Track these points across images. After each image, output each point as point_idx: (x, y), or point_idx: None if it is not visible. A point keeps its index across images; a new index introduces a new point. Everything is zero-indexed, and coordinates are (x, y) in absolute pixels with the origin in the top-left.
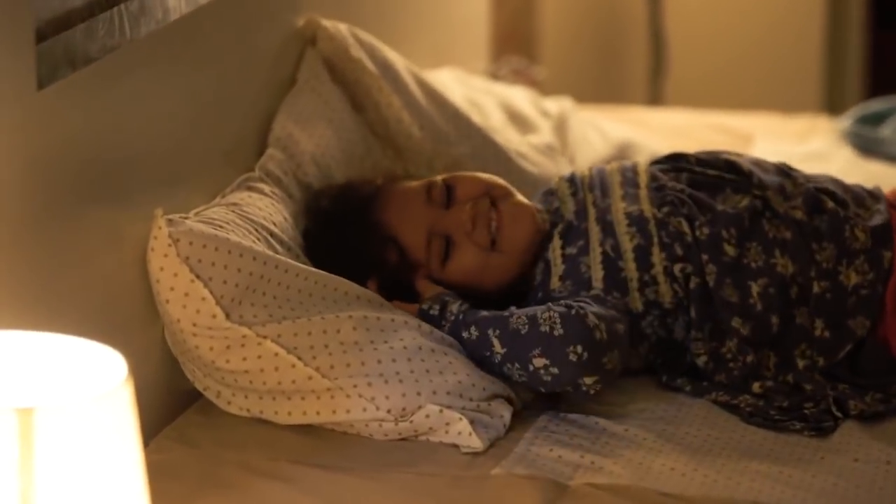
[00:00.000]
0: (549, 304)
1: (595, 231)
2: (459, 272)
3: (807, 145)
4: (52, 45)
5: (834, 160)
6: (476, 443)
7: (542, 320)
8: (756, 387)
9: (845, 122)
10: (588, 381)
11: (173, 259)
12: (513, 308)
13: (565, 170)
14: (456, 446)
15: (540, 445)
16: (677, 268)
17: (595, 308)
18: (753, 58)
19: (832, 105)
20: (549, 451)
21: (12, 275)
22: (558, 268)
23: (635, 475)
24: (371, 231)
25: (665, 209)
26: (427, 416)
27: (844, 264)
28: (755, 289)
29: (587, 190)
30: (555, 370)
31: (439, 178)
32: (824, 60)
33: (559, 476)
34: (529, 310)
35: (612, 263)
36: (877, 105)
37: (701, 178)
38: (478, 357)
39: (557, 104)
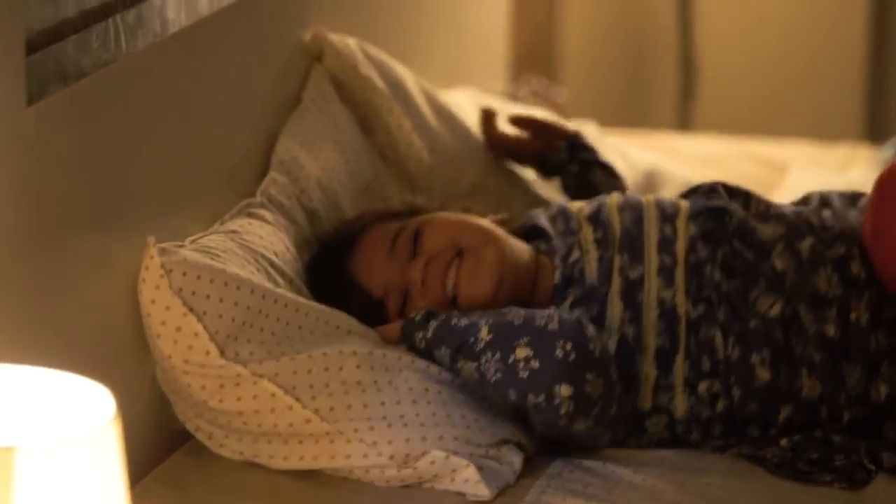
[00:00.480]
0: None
1: (618, 308)
2: None
3: (846, 175)
4: (43, 57)
5: None
6: (483, 491)
7: (539, 316)
8: (784, 442)
9: (888, 150)
10: (564, 391)
11: (165, 291)
12: (510, 307)
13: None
14: (462, 495)
15: (552, 495)
16: (703, 386)
17: (594, 328)
18: (790, 81)
19: (874, 132)
20: (562, 500)
21: None
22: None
23: None
24: (340, 276)
25: (700, 307)
26: (432, 462)
27: (874, 378)
28: (783, 414)
29: (616, 250)
30: (535, 363)
31: (413, 223)
32: (866, 84)
33: None
34: (527, 310)
35: (628, 356)
36: None
37: (738, 262)
38: (458, 342)
39: (580, 128)
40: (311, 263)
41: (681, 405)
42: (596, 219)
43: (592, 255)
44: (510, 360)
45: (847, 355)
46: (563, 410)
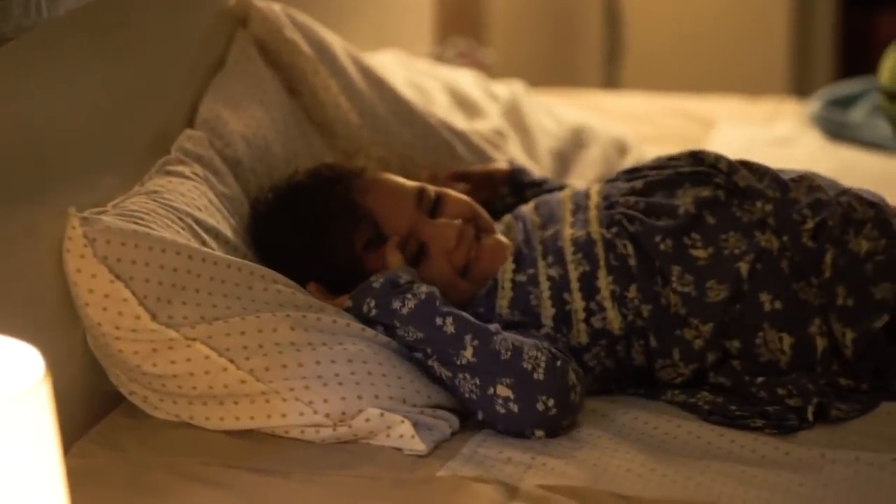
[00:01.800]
0: (538, 342)
1: (541, 263)
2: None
3: (773, 130)
4: None
5: (801, 145)
6: (419, 445)
7: (526, 357)
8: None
9: (814, 105)
10: (538, 433)
11: (90, 260)
12: (497, 327)
13: (514, 156)
14: (399, 449)
15: (488, 447)
16: (631, 291)
17: (575, 365)
18: (716, 37)
19: (800, 87)
20: (499, 452)
21: None
22: (507, 292)
23: (590, 476)
24: (349, 207)
25: (614, 229)
26: (367, 419)
27: (851, 233)
28: (743, 267)
29: (535, 227)
30: (514, 407)
31: (431, 187)
32: (792, 40)
33: (508, 477)
34: (516, 338)
35: (558, 296)
36: (847, 87)
37: (656, 179)
38: (437, 347)
39: (507, 88)
40: (273, 198)
41: (615, 319)
42: (515, 215)
43: (515, 227)
44: (489, 392)
45: (798, 204)
46: (532, 438)
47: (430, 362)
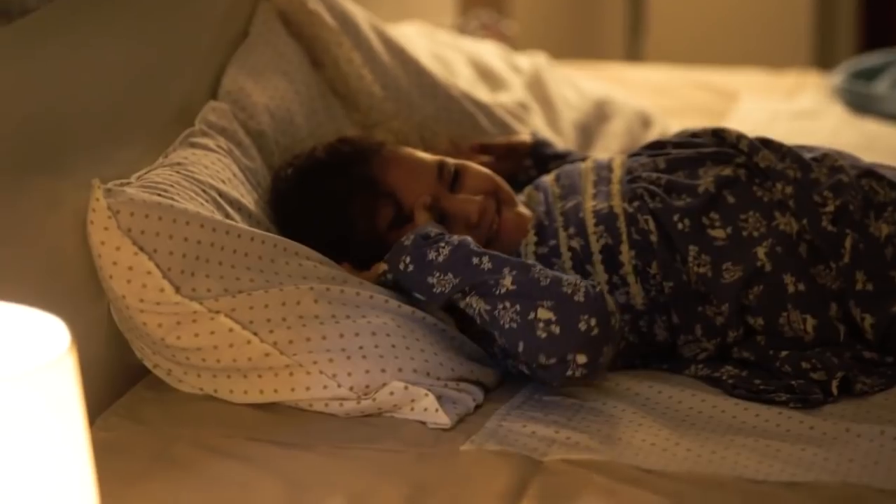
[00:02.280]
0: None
1: (563, 234)
2: None
3: (796, 102)
4: None
5: (825, 118)
6: (443, 419)
7: (566, 282)
8: (737, 358)
9: (837, 77)
10: (580, 359)
11: (114, 232)
12: (535, 262)
13: (537, 128)
14: (423, 422)
15: (512, 421)
16: (654, 267)
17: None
18: (739, 10)
19: (823, 60)
20: (522, 426)
21: None
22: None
23: (614, 450)
24: (369, 183)
25: (635, 203)
26: (391, 393)
27: (872, 217)
28: (761, 251)
29: (556, 198)
30: (556, 329)
31: (451, 160)
32: (815, 12)
33: (532, 452)
34: (552, 272)
35: (581, 267)
36: (871, 59)
37: (678, 157)
38: (477, 281)
39: (530, 60)
40: (293, 175)
41: (638, 294)
42: (537, 186)
43: (537, 198)
44: (529, 317)
45: (819, 187)
46: (570, 374)
47: (468, 300)
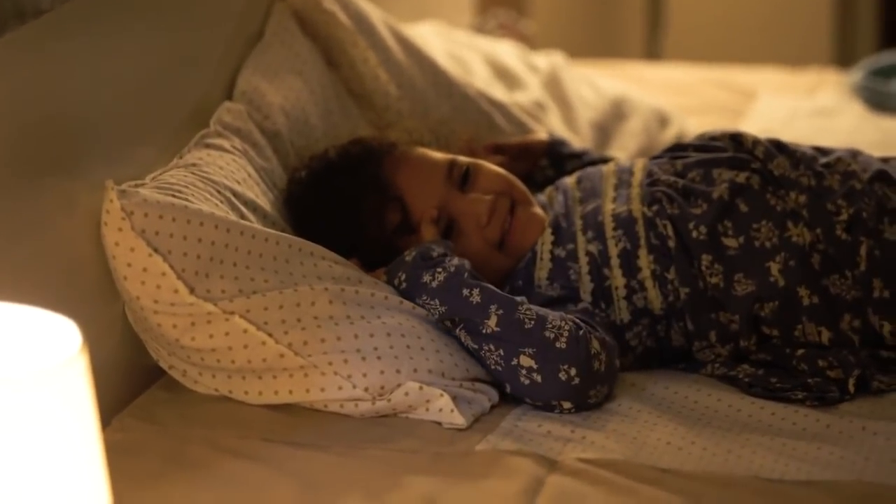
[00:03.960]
0: (563, 314)
1: (581, 238)
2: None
3: (815, 101)
4: None
5: (843, 116)
6: (458, 419)
7: (550, 326)
8: (754, 357)
9: (856, 75)
10: (566, 405)
11: (128, 233)
12: (524, 298)
13: (554, 127)
14: (438, 423)
15: (528, 421)
16: (671, 273)
17: (601, 334)
18: (758, 8)
19: (842, 57)
20: (538, 426)
21: None
22: (545, 263)
23: (629, 450)
24: (379, 186)
25: (655, 207)
26: (406, 393)
27: (886, 222)
28: (774, 267)
29: (576, 202)
30: (538, 377)
31: (463, 159)
32: (834, 9)
33: (548, 451)
34: (541, 310)
35: (598, 271)
36: (890, 57)
37: (695, 161)
38: (463, 317)
39: (547, 59)
40: (306, 177)
41: (655, 299)
42: (556, 186)
43: (556, 199)
44: (512, 363)
45: (833, 196)
46: (560, 411)
47: (458, 332)
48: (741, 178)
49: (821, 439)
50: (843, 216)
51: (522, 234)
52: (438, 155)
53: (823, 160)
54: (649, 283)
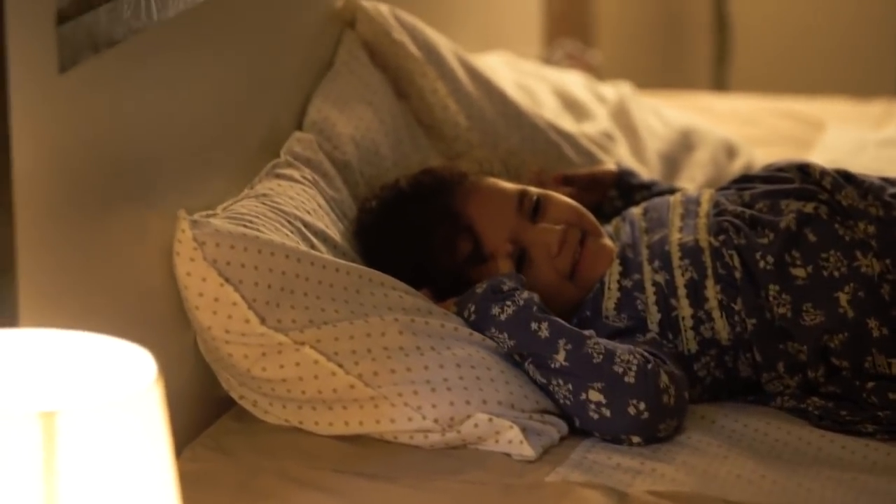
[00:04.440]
0: (632, 347)
1: (647, 268)
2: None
3: (882, 131)
4: (75, 26)
5: None
6: (528, 451)
7: (618, 360)
8: (822, 391)
9: None
10: (635, 439)
11: (200, 263)
12: (592, 332)
13: (622, 158)
14: (508, 454)
15: (598, 452)
16: (738, 304)
17: (670, 367)
18: (824, 38)
19: None
20: (608, 458)
21: (36, 271)
22: (613, 293)
23: (699, 482)
24: (449, 216)
25: (721, 237)
26: (476, 425)
27: None
28: (843, 297)
29: (643, 232)
30: (607, 412)
31: (533, 189)
32: None
33: (618, 483)
34: (609, 343)
35: (665, 301)
36: None
37: (762, 192)
38: (531, 351)
39: (615, 89)
40: (377, 207)
41: (723, 329)
42: (623, 217)
43: (623, 230)
44: (581, 397)
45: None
46: (629, 444)
47: (526, 366)
48: (809, 208)
49: (892, 473)
50: None
51: (593, 265)
52: (509, 185)
53: (892, 190)
54: (716, 314)
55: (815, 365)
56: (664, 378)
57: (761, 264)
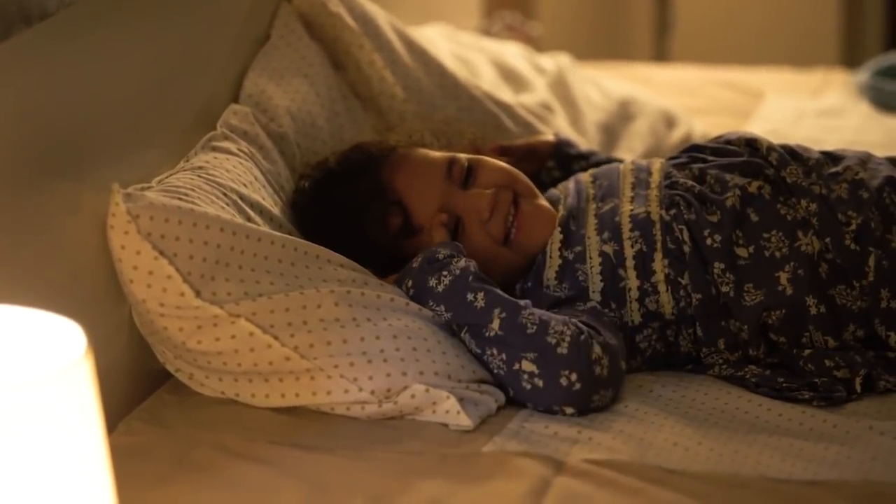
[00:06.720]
0: (567, 318)
1: (594, 239)
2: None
3: (821, 101)
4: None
5: (850, 116)
6: (465, 421)
7: (552, 330)
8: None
9: (863, 75)
10: (567, 410)
11: (134, 236)
12: (528, 302)
13: (560, 129)
14: (445, 425)
15: (535, 422)
16: (685, 278)
17: (604, 338)
18: (765, 9)
19: (849, 57)
20: (545, 427)
21: None
22: (554, 261)
23: (636, 451)
24: (378, 191)
25: (672, 211)
26: (412, 396)
27: (894, 232)
28: (783, 276)
29: (591, 199)
30: (539, 382)
31: (463, 156)
32: (840, 10)
33: (555, 452)
34: (545, 314)
35: (612, 272)
36: None
37: (710, 165)
38: (467, 322)
39: (554, 61)
40: (309, 188)
41: (667, 304)
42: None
43: (570, 197)
44: (514, 367)
45: (843, 206)
46: (564, 415)
47: (462, 335)
48: (753, 187)
49: (828, 439)
50: (853, 226)
51: (530, 228)
52: (437, 154)
53: (832, 169)
54: (662, 287)
55: (755, 343)
56: (597, 349)
57: (709, 241)
